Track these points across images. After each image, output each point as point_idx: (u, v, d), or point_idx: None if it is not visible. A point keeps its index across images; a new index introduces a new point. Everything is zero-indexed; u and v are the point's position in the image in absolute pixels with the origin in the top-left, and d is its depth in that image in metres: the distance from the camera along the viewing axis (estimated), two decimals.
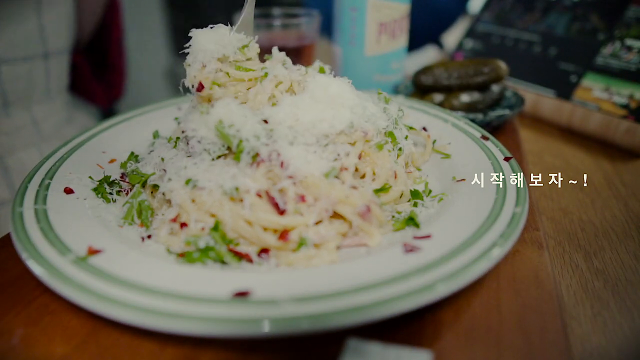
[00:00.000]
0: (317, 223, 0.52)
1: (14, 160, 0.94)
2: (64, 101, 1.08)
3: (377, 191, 0.57)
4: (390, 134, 0.64)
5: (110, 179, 0.63)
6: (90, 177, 0.63)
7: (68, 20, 1.00)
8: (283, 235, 0.50)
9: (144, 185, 0.61)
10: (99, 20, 1.15)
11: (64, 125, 1.07)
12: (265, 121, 0.57)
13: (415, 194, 0.61)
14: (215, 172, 0.54)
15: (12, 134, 0.94)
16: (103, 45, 1.20)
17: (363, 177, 0.59)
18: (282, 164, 0.53)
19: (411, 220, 0.54)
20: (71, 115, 1.11)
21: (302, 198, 0.52)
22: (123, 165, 0.67)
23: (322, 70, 0.72)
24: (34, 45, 0.92)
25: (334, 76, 0.65)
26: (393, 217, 0.57)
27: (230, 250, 0.50)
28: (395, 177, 0.60)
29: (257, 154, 0.54)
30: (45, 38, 0.94)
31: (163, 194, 0.56)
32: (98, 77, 1.22)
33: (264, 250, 0.51)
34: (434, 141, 0.74)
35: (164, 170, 0.58)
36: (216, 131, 0.55)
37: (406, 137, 0.67)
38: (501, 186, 0.57)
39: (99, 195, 0.60)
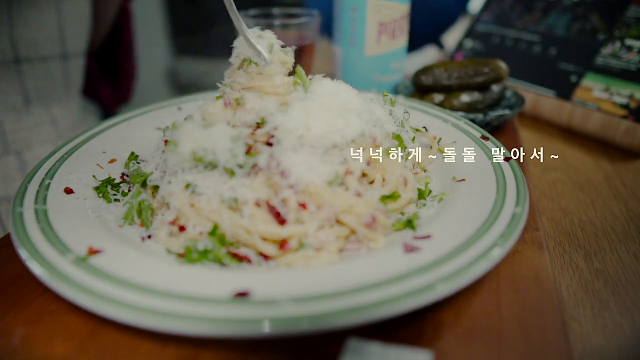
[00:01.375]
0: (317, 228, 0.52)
1: (32, 156, 0.97)
2: (79, 103, 1.11)
3: (385, 198, 0.57)
4: (397, 137, 0.63)
5: (114, 181, 0.63)
6: (93, 176, 0.63)
7: (85, 24, 1.03)
8: (282, 244, 0.50)
9: (144, 185, 0.61)
10: (110, 24, 1.17)
11: (78, 126, 1.09)
12: (274, 129, 0.56)
13: (419, 194, 0.61)
14: (214, 178, 0.54)
15: (31, 130, 0.97)
16: (114, 49, 1.22)
17: (372, 183, 0.59)
18: (282, 173, 0.52)
19: (409, 223, 0.54)
20: (84, 117, 1.14)
21: (304, 206, 0.51)
22: (127, 164, 0.67)
23: None
24: (53, 46, 0.95)
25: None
26: (397, 218, 0.57)
27: (229, 253, 0.50)
28: (406, 185, 0.59)
29: (255, 164, 0.53)
30: (64, 40, 0.97)
31: (162, 196, 0.56)
32: (107, 80, 1.23)
33: (263, 255, 0.50)
34: (439, 140, 0.74)
35: (164, 171, 0.58)
36: (195, 162, 0.54)
37: (413, 139, 0.67)
38: (501, 186, 0.57)
39: (100, 195, 0.60)
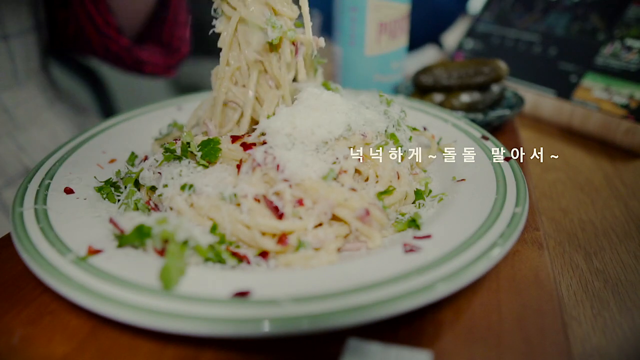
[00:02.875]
0: (316, 226, 0.52)
1: None
2: (39, 85, 0.98)
3: (381, 194, 0.57)
4: (392, 136, 0.64)
5: (117, 183, 0.63)
6: (95, 177, 0.63)
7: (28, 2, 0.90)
8: (282, 239, 0.50)
9: (136, 184, 0.61)
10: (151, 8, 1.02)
11: (44, 110, 0.98)
12: (263, 133, 0.57)
13: (418, 194, 0.61)
14: (213, 175, 0.54)
15: None
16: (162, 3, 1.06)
17: (366, 180, 0.59)
18: (277, 167, 0.53)
19: (413, 222, 0.54)
20: (51, 100, 1.01)
21: (300, 202, 0.52)
22: (117, 173, 0.66)
23: (326, 85, 0.72)
24: None
25: (335, 82, 0.65)
26: (397, 219, 0.57)
27: (229, 251, 0.50)
28: (398, 178, 0.60)
29: (253, 159, 0.54)
30: (2, 19, 0.84)
31: (159, 196, 0.56)
32: (152, 44, 1.08)
33: (264, 254, 0.51)
34: (439, 140, 0.74)
35: (159, 173, 0.58)
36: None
37: (410, 139, 0.67)
38: (501, 186, 0.57)
39: (105, 196, 0.60)
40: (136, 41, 1.06)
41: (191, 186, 0.54)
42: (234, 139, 0.60)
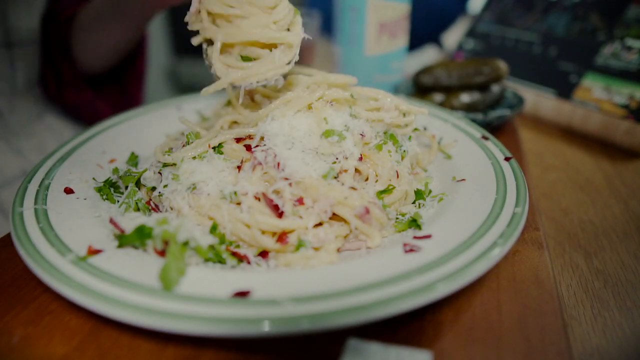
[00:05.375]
0: (316, 226, 0.52)
1: None
2: (33, 96, 1.00)
3: (381, 193, 0.57)
4: (391, 137, 0.64)
5: (116, 183, 0.63)
6: (94, 178, 0.63)
7: (35, 9, 0.92)
8: (281, 237, 0.50)
9: (137, 184, 0.61)
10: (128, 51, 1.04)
11: (34, 120, 0.99)
12: (262, 138, 0.57)
13: (418, 194, 0.61)
14: (214, 173, 0.55)
15: None
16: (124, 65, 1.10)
17: (366, 179, 0.59)
18: (278, 165, 0.53)
19: (414, 222, 0.54)
20: (41, 112, 1.03)
21: (300, 200, 0.52)
22: (115, 170, 0.66)
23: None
24: None
25: None
26: (397, 219, 0.57)
27: (229, 251, 0.50)
28: (398, 177, 0.60)
29: (254, 157, 0.54)
30: (8, 27, 0.87)
31: (159, 195, 0.56)
32: (109, 86, 1.11)
33: (264, 254, 0.51)
34: (440, 140, 0.74)
35: (160, 173, 0.58)
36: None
37: (409, 138, 0.67)
38: (501, 186, 0.57)
39: (105, 197, 0.60)
40: (96, 87, 1.08)
41: (193, 187, 0.54)
42: (238, 140, 0.60)
